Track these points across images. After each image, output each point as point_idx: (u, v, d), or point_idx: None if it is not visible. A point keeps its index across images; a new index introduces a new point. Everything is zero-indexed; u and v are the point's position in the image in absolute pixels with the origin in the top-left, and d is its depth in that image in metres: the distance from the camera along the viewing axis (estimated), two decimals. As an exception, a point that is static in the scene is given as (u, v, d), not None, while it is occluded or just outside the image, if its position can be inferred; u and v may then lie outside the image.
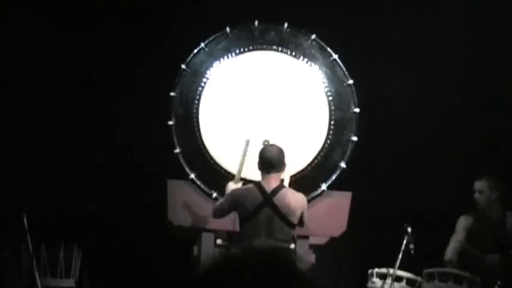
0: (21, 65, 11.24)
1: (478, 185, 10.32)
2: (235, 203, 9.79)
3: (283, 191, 9.74)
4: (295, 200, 9.77)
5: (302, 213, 9.83)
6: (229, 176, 10.39)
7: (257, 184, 9.82)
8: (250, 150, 10.24)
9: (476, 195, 10.32)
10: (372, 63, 11.19)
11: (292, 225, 9.69)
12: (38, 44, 11.31)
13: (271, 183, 9.75)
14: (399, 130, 10.86)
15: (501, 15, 10.69)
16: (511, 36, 10.66)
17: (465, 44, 10.78)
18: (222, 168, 10.67)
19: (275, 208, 9.64)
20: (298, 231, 10.04)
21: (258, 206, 9.68)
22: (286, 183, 10.03)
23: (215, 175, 10.72)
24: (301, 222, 9.90)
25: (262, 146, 9.99)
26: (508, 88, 10.83)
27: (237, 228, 10.06)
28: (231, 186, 10.04)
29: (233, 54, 11.20)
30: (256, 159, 9.84)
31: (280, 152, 9.80)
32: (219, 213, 10.00)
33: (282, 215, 9.64)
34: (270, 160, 9.75)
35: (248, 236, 9.63)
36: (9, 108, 10.97)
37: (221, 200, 10.04)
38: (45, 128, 11.05)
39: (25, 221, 9.73)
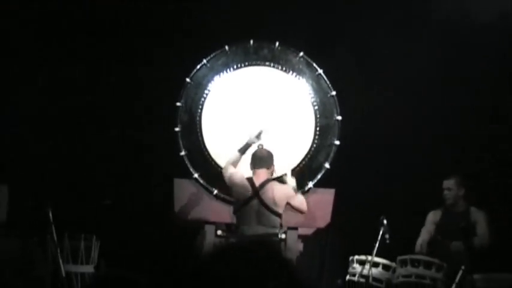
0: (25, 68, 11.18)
1: (447, 183, 10.34)
2: (232, 185, 10.20)
3: (269, 185, 9.97)
4: (279, 193, 9.99)
5: (288, 203, 10.01)
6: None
7: (249, 179, 10.05)
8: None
9: (445, 192, 10.35)
10: (352, 77, 11.21)
11: (277, 214, 9.92)
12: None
13: (260, 178, 10.02)
14: (376, 135, 10.86)
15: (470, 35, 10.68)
16: (477, 52, 10.65)
17: (436, 60, 10.75)
18: (221, 168, 10.71)
19: (262, 200, 9.84)
20: (294, 220, 10.29)
21: (248, 199, 9.91)
22: (289, 178, 10.30)
23: (215, 174, 10.76)
24: (295, 209, 10.07)
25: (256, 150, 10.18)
26: (474, 99, 10.83)
27: (235, 221, 10.23)
28: (230, 165, 10.33)
29: (231, 69, 11.25)
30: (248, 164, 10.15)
31: (269, 154, 10.16)
32: (226, 177, 10.32)
33: (267, 206, 9.86)
34: (260, 158, 10.07)
35: (241, 223, 9.94)
36: (29, 112, 10.97)
37: (226, 173, 10.28)
38: (67, 134, 11.03)
39: (50, 214, 9.73)
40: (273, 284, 1.88)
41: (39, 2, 11.11)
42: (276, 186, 10.03)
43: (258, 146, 10.26)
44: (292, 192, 10.15)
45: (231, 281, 1.87)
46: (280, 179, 10.21)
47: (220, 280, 1.88)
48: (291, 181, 10.25)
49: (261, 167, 10.06)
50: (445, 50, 10.81)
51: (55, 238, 9.89)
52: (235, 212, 10.11)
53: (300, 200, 10.15)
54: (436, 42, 10.86)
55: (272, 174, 10.12)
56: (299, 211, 10.14)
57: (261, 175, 10.03)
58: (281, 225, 10.02)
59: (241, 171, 10.25)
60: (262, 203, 9.91)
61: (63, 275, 9.90)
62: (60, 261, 9.93)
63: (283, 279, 1.91)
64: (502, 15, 10.39)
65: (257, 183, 9.96)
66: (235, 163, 10.25)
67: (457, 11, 10.51)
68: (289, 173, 10.30)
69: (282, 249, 2.15)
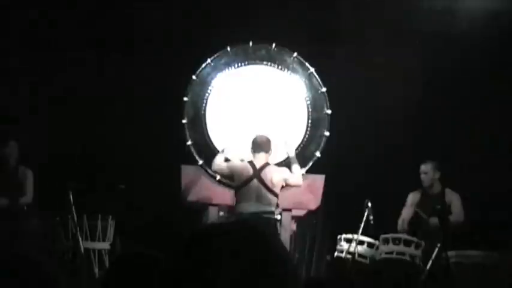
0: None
1: (424, 168, 10.36)
2: (232, 170, 10.23)
3: (267, 168, 10.05)
4: (276, 174, 10.06)
5: (284, 182, 10.13)
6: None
7: (250, 162, 10.11)
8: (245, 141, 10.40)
9: (422, 176, 10.37)
10: (341, 76, 11.22)
11: (274, 194, 10.01)
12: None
13: (259, 161, 10.08)
14: (362, 127, 10.87)
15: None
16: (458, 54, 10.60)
17: (418, 60, 10.74)
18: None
19: (261, 180, 9.89)
20: (287, 203, 10.31)
21: (249, 178, 9.95)
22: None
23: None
24: (292, 186, 10.20)
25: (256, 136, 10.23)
26: (450, 95, 10.82)
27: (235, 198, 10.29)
28: (218, 159, 10.39)
29: (232, 67, 11.23)
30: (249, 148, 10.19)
31: (267, 139, 10.20)
32: (219, 170, 10.43)
33: (266, 186, 9.91)
34: (260, 143, 10.08)
35: (242, 200, 9.99)
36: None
37: (219, 161, 10.35)
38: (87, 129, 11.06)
39: (71, 197, 9.78)
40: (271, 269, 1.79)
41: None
42: (274, 169, 10.11)
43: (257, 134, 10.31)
44: (287, 173, 10.21)
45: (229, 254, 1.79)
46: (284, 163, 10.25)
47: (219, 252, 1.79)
48: (291, 152, 10.38)
49: (260, 151, 10.12)
50: (427, 51, 10.78)
51: (75, 218, 9.95)
52: (236, 192, 10.16)
53: (296, 177, 10.23)
54: (420, 45, 10.83)
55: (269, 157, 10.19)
56: (296, 186, 10.22)
57: (261, 158, 10.09)
58: (277, 205, 10.08)
59: (236, 158, 10.33)
60: (262, 183, 9.97)
61: (82, 251, 9.95)
62: (80, 238, 9.98)
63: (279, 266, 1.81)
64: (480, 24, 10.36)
65: (257, 165, 10.03)
66: (221, 160, 10.32)
67: (440, 20, 10.48)
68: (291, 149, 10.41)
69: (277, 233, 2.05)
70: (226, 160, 10.36)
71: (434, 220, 9.91)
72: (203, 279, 1.76)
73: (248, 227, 1.85)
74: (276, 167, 10.20)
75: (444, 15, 10.51)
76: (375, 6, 10.64)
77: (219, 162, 10.33)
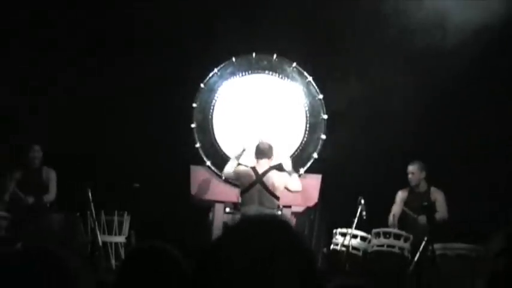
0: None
1: (411, 168, 10.35)
2: (237, 176, 10.13)
3: (270, 173, 9.98)
4: (277, 179, 10.00)
5: (285, 187, 10.07)
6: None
7: (253, 168, 10.04)
8: (248, 148, 10.39)
9: (410, 175, 10.35)
10: (336, 84, 11.21)
11: (276, 197, 9.95)
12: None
13: (262, 166, 10.01)
14: (355, 131, 10.84)
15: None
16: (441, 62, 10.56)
17: (406, 78, 10.71)
18: (228, 157, 10.73)
19: (264, 185, 9.86)
20: (287, 200, 10.30)
21: (252, 183, 9.91)
22: (286, 166, 10.27)
23: (224, 162, 10.76)
24: (291, 190, 10.13)
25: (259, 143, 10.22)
26: (436, 100, 10.80)
27: (240, 200, 10.27)
28: (231, 163, 10.30)
29: (237, 76, 11.27)
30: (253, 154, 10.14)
31: (270, 146, 10.09)
32: (228, 176, 10.40)
33: (268, 190, 9.87)
34: (262, 150, 10.01)
35: (246, 203, 9.90)
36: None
37: (229, 169, 10.27)
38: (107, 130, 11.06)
39: (89, 194, 9.76)
40: (286, 260, 1.77)
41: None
42: (275, 174, 10.04)
43: (259, 141, 10.29)
44: (288, 178, 10.18)
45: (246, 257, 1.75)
46: (279, 166, 10.22)
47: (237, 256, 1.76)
48: (288, 165, 10.30)
49: (263, 157, 10.07)
50: (413, 61, 10.76)
51: (93, 214, 9.95)
52: (241, 195, 10.11)
53: (295, 184, 10.18)
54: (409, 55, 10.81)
55: (272, 163, 10.17)
56: (296, 192, 10.22)
57: (263, 164, 10.04)
58: (278, 206, 10.08)
59: (242, 164, 10.33)
60: (264, 187, 9.95)
61: (100, 244, 9.96)
62: (98, 232, 9.97)
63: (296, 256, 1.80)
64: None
65: (260, 171, 9.99)
66: (232, 166, 10.30)
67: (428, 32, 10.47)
68: (288, 161, 10.34)
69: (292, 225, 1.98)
70: (239, 165, 10.36)
71: (421, 216, 9.90)
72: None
73: (278, 222, 1.85)
74: (278, 172, 10.14)
75: (432, 31, 10.47)
76: (370, 21, 10.61)
77: (227, 169, 10.33)
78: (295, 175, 10.31)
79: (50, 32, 10.95)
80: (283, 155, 10.44)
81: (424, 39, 10.37)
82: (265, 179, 9.96)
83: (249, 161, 10.30)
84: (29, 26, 10.88)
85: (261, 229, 1.81)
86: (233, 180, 10.46)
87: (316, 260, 1.86)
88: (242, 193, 10.07)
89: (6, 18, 10.68)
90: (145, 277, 2.93)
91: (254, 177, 9.99)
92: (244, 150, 10.39)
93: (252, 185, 9.98)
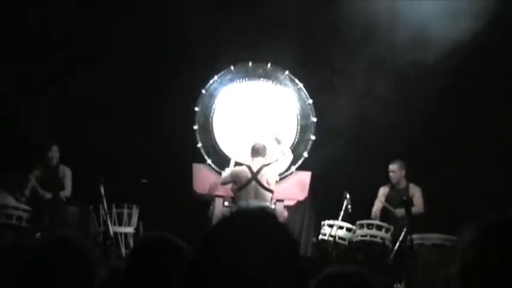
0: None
1: (392, 167, 10.35)
2: (234, 176, 10.14)
3: (263, 170, 10.01)
4: (271, 175, 10.04)
5: (276, 181, 10.13)
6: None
7: (248, 166, 10.07)
8: (244, 151, 10.42)
9: (391, 173, 10.36)
10: (324, 90, 11.22)
11: (269, 191, 9.99)
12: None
13: (257, 165, 10.05)
14: (342, 133, 10.79)
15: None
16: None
17: (387, 88, 10.72)
18: (227, 156, 10.77)
19: (258, 181, 9.89)
20: (280, 194, 10.30)
21: (248, 180, 9.94)
22: (273, 164, 10.23)
23: (223, 161, 10.82)
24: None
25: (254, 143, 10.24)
26: (408, 111, 10.84)
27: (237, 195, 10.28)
28: (227, 170, 10.34)
29: (235, 83, 11.31)
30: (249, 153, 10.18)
31: (264, 146, 10.15)
32: (224, 181, 10.32)
33: (262, 186, 9.89)
34: (257, 149, 10.05)
35: (243, 198, 9.93)
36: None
37: (225, 174, 10.28)
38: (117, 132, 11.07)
39: (102, 189, 9.78)
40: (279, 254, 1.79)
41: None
42: (268, 170, 10.07)
43: (255, 141, 10.32)
44: (280, 163, 10.30)
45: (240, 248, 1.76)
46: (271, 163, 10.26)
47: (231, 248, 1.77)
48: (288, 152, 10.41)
49: (258, 156, 10.11)
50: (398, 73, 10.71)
51: (105, 207, 9.94)
52: (239, 191, 10.13)
53: (287, 154, 10.38)
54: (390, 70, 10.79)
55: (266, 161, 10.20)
56: (290, 158, 10.41)
57: (258, 162, 10.07)
58: (272, 199, 10.11)
59: (239, 162, 10.35)
60: (259, 183, 9.99)
61: (111, 234, 9.96)
62: (109, 224, 9.96)
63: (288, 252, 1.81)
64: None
65: (255, 169, 10.02)
66: (227, 173, 10.35)
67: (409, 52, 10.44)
68: (274, 163, 10.35)
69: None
70: (236, 164, 10.41)
71: (400, 209, 9.90)
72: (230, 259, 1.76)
73: (266, 214, 1.86)
74: (270, 168, 10.14)
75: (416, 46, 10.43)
76: (357, 34, 10.59)
77: (223, 176, 10.38)
78: (285, 145, 10.45)
79: (58, 34, 10.91)
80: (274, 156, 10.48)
81: (408, 52, 10.33)
82: (259, 176, 9.99)
83: (245, 159, 10.34)
84: (36, 26, 10.79)
85: (250, 221, 1.82)
86: (229, 183, 10.47)
87: (299, 249, 1.85)
88: (239, 189, 10.10)
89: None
90: (153, 264, 2.95)
91: (250, 174, 10.02)
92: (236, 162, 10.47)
93: (248, 182, 10.01)
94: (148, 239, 3.12)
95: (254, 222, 1.81)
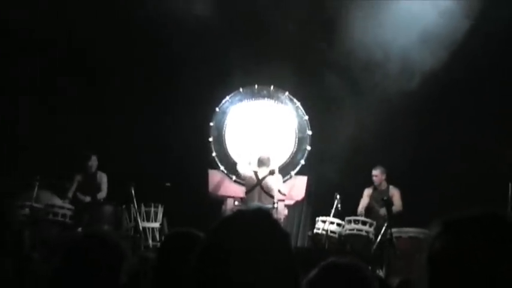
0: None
1: (375, 172, 10.32)
2: (245, 179, 10.22)
3: (267, 178, 10.00)
4: (274, 183, 10.02)
5: (279, 190, 10.08)
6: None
7: (255, 173, 10.07)
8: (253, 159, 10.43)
9: (374, 177, 10.32)
10: (318, 108, 11.24)
11: (271, 196, 9.97)
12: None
13: (262, 173, 10.04)
14: (333, 144, 10.78)
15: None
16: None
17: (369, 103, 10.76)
18: (236, 164, 10.78)
19: (262, 188, 9.89)
20: (279, 196, 10.22)
21: (254, 186, 9.95)
22: (276, 171, 10.21)
23: (233, 167, 10.83)
24: (281, 193, 10.13)
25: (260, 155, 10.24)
26: (390, 123, 10.77)
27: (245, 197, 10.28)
28: (241, 164, 10.40)
29: (244, 102, 11.35)
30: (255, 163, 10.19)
31: (268, 158, 10.18)
32: (239, 173, 10.45)
33: (266, 192, 9.89)
34: (262, 160, 10.05)
35: (249, 201, 9.93)
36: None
37: (242, 170, 10.32)
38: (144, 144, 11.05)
39: (132, 191, 9.77)
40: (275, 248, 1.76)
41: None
42: (272, 179, 10.07)
43: (261, 153, 10.33)
44: (281, 183, 10.24)
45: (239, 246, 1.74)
46: (272, 172, 10.24)
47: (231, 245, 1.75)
48: (277, 174, 10.34)
49: (263, 166, 10.12)
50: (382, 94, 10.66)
51: (135, 206, 9.94)
52: (246, 194, 10.14)
53: (284, 188, 10.28)
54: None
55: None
56: (283, 194, 10.23)
57: (263, 171, 10.08)
58: (273, 203, 10.06)
59: (249, 169, 10.33)
60: (263, 189, 9.99)
61: (140, 228, 9.96)
62: (139, 220, 9.95)
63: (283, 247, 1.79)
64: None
65: (260, 176, 10.03)
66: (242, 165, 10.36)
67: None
68: (276, 169, 10.35)
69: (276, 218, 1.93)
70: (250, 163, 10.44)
71: (382, 208, 9.89)
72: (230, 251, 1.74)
73: (262, 212, 1.85)
74: (274, 178, 10.12)
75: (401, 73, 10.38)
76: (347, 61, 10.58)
77: (242, 167, 10.41)
78: (284, 185, 10.40)
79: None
80: (277, 164, 10.47)
81: (394, 79, 10.29)
82: (263, 183, 10.00)
83: (252, 167, 10.34)
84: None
85: (248, 219, 1.82)
86: (239, 179, 10.50)
87: (291, 243, 1.84)
88: (247, 193, 10.12)
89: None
90: (180, 254, 2.95)
91: (256, 181, 10.02)
92: (250, 163, 10.46)
93: (254, 187, 10.02)
94: (176, 233, 3.13)
95: (252, 220, 1.80)
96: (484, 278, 1.60)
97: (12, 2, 10.11)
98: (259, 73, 11.33)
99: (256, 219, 1.81)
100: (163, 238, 9.93)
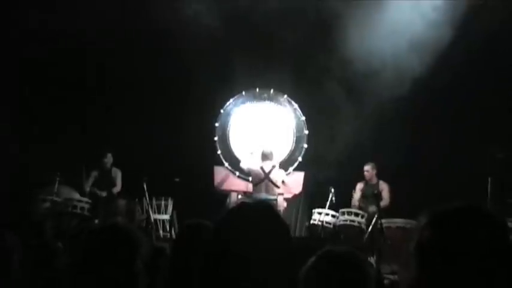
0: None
1: (366, 167, 10.30)
2: (250, 171, 10.24)
3: (273, 171, 10.02)
4: (278, 176, 10.05)
5: (282, 181, 10.12)
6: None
7: (261, 167, 10.07)
8: (257, 153, 10.40)
9: (365, 172, 10.31)
10: (314, 109, 11.22)
11: (277, 187, 10.01)
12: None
13: (267, 167, 10.06)
14: (327, 143, 10.76)
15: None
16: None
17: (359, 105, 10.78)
18: (239, 161, 10.78)
19: (270, 180, 9.89)
20: (283, 188, 10.26)
21: (261, 179, 9.94)
22: (277, 166, 10.25)
23: (237, 164, 10.83)
24: (284, 184, 10.20)
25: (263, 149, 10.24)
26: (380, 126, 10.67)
27: (250, 190, 10.29)
28: (247, 158, 10.36)
29: (246, 104, 11.35)
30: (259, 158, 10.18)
31: (272, 152, 10.21)
32: (244, 168, 10.42)
33: (272, 183, 9.90)
34: (266, 154, 10.07)
35: (257, 192, 9.96)
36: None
37: (247, 165, 10.30)
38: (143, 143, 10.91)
39: (144, 186, 9.86)
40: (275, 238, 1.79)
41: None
42: (277, 171, 10.14)
43: (264, 148, 10.32)
44: (284, 175, 10.32)
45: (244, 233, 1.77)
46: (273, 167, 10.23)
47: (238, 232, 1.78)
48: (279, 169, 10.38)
49: (267, 160, 10.13)
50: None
51: (147, 199, 9.99)
52: (253, 187, 10.15)
53: (286, 179, 10.36)
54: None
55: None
56: (285, 184, 10.27)
57: (268, 165, 10.09)
58: (277, 194, 10.09)
59: (254, 163, 10.31)
60: (270, 181, 10.00)
61: (152, 220, 9.99)
62: (150, 212, 10.01)
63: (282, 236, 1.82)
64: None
65: (266, 170, 10.04)
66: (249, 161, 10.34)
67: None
68: (277, 165, 10.37)
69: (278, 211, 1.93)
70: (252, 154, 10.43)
71: (372, 201, 9.89)
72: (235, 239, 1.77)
73: (264, 204, 1.89)
74: (278, 170, 10.18)
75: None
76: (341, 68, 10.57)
77: (246, 161, 10.38)
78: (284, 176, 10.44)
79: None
80: (277, 160, 10.49)
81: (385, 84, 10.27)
82: (271, 176, 10.01)
83: (256, 162, 10.32)
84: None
85: (252, 211, 1.84)
86: (243, 175, 10.52)
87: (290, 232, 1.88)
88: (254, 186, 10.13)
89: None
90: (193, 243, 2.96)
91: (263, 175, 10.03)
92: (252, 153, 10.44)
93: (262, 180, 10.03)
94: (190, 224, 3.13)
95: (256, 211, 1.83)
96: (467, 263, 1.64)
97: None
98: (260, 78, 11.31)
99: (259, 210, 1.84)
100: (177, 229, 10.04)
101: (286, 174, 10.72)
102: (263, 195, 9.75)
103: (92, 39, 10.25)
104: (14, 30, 10.06)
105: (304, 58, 11.06)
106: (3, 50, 10.12)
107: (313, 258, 2.32)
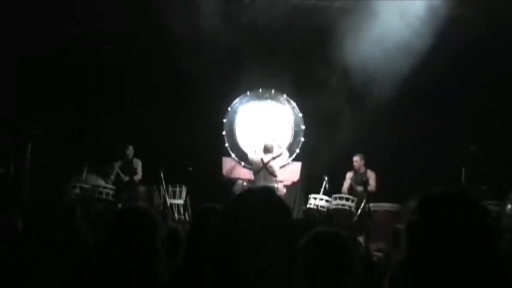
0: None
1: (355, 158, 10.22)
2: (252, 162, 10.17)
3: (271, 162, 9.95)
4: (276, 166, 9.99)
5: (280, 167, 10.09)
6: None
7: (261, 159, 10.03)
8: (259, 148, 10.36)
9: (354, 162, 10.23)
10: (310, 107, 11.19)
11: (274, 176, 9.93)
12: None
13: (267, 158, 9.98)
14: (322, 136, 10.74)
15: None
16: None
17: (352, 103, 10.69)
18: (245, 153, 10.75)
19: (267, 170, 9.85)
20: (280, 177, 10.23)
21: (260, 168, 9.91)
22: (284, 149, 10.26)
23: (243, 155, 10.82)
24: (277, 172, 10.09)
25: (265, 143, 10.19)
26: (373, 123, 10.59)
27: (253, 178, 10.25)
28: (253, 154, 10.25)
29: (251, 102, 11.35)
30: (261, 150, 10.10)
31: (272, 145, 10.11)
32: (250, 161, 10.31)
33: (271, 173, 9.85)
34: (267, 147, 10.02)
35: (256, 181, 9.90)
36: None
37: (253, 157, 10.18)
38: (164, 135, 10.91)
39: (162, 174, 9.86)
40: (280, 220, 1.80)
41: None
42: (274, 162, 10.03)
43: (265, 142, 10.27)
44: (282, 159, 10.21)
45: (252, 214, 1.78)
46: (278, 155, 10.18)
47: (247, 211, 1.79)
48: (285, 151, 10.35)
49: (267, 152, 10.08)
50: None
51: (164, 186, 9.99)
52: (254, 176, 10.11)
53: (285, 157, 10.34)
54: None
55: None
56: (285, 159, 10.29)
57: (268, 156, 10.04)
58: (276, 182, 10.07)
59: (256, 155, 10.28)
60: (268, 171, 9.96)
61: (168, 204, 9.99)
62: (167, 198, 10.03)
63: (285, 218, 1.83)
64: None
65: (265, 161, 10.00)
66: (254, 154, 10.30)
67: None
68: (285, 149, 10.33)
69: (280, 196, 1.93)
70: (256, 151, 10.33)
71: (360, 187, 9.87)
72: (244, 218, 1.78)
73: (268, 189, 1.90)
74: (275, 161, 10.07)
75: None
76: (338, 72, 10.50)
77: (251, 155, 10.30)
78: (285, 152, 10.36)
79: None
80: (282, 147, 10.44)
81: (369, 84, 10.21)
82: (268, 166, 9.96)
83: (259, 154, 10.29)
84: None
85: (258, 195, 1.86)
86: (248, 164, 10.50)
87: (291, 214, 1.90)
88: (254, 174, 10.10)
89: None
90: (207, 221, 2.95)
91: (261, 165, 9.99)
92: (255, 151, 10.41)
93: (260, 170, 9.99)
94: (205, 207, 3.12)
95: (260, 196, 1.85)
96: (453, 242, 1.61)
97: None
98: (262, 79, 11.26)
99: (263, 194, 1.86)
100: (190, 212, 10.05)
101: (286, 165, 10.69)
102: (261, 183, 9.73)
103: (110, 40, 10.19)
104: (23, 31, 9.82)
105: (302, 63, 11.01)
106: (4, 50, 9.86)
107: (304, 238, 2.34)
